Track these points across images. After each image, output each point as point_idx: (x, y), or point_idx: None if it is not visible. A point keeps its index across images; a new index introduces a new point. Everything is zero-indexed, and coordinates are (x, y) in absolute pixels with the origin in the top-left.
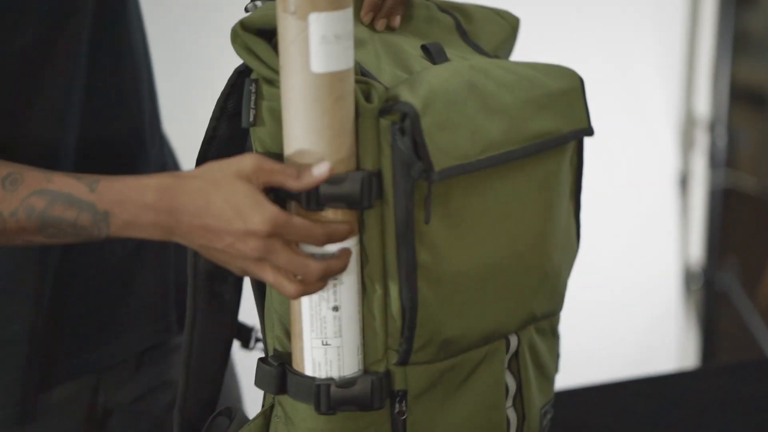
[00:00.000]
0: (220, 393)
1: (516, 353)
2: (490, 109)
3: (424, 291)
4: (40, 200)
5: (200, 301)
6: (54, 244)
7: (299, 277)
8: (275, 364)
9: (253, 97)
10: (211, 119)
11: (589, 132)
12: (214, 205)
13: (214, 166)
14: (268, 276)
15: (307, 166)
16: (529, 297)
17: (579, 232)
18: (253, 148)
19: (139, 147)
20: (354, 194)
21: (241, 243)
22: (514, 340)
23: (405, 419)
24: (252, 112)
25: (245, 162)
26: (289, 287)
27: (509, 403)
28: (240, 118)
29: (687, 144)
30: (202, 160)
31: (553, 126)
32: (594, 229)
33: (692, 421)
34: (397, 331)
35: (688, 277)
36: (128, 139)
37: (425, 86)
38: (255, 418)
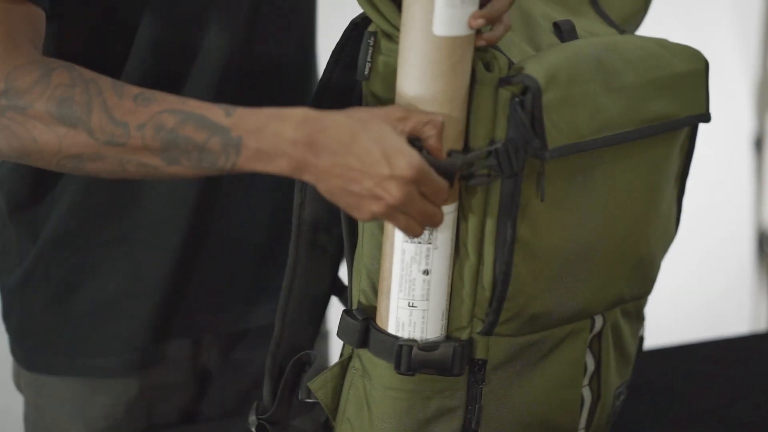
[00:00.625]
0: (313, 344)
1: (599, 333)
2: (612, 87)
3: (519, 265)
4: (171, 118)
5: (302, 252)
6: (170, 174)
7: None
8: (360, 318)
9: (370, 51)
10: (325, 70)
11: (707, 118)
12: (360, 145)
13: (360, 108)
14: (401, 222)
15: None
16: (620, 279)
17: (679, 217)
18: (364, 102)
19: (307, 70)
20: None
21: (380, 188)
22: (599, 321)
23: (482, 388)
24: (368, 66)
25: (393, 108)
26: (419, 229)
27: (585, 381)
28: (353, 71)
29: (763, 104)
30: (317, 107)
31: (672, 109)
32: None
33: (764, 383)
34: (486, 301)
35: (762, 240)
36: (296, 61)
37: (551, 59)
38: (332, 367)
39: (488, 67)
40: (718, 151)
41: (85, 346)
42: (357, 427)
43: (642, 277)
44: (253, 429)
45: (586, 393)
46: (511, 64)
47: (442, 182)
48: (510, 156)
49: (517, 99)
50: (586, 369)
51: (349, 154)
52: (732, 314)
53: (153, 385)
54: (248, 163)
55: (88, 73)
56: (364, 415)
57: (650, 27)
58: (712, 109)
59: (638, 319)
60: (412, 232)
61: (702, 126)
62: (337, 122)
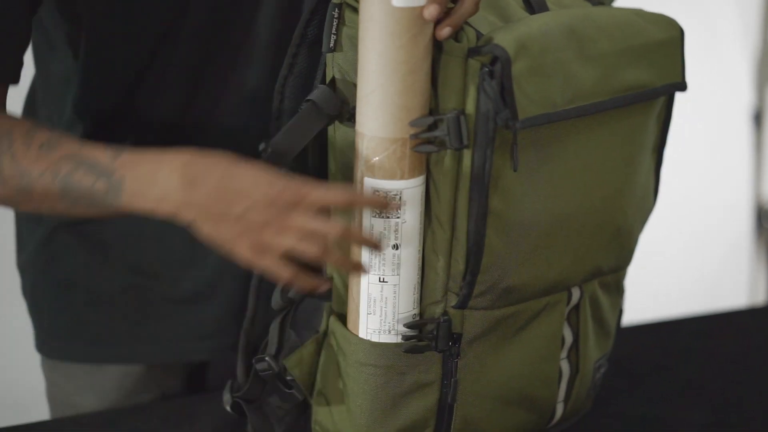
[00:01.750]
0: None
1: (577, 306)
2: (586, 56)
3: (492, 237)
4: (66, 164)
5: None
6: (79, 215)
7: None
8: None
9: (335, 23)
10: (291, 47)
11: (683, 87)
12: (243, 171)
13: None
14: (267, 261)
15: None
16: (597, 251)
17: (657, 188)
18: (329, 75)
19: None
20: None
21: (256, 211)
22: (576, 293)
23: (456, 362)
24: (333, 38)
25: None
26: (285, 272)
27: (563, 354)
28: (319, 46)
29: (762, 78)
30: (282, 87)
31: (647, 78)
32: (664, 163)
33: (763, 356)
34: (459, 274)
35: (761, 214)
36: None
37: (522, 29)
38: (307, 344)
39: (456, 38)
40: (717, 125)
41: (83, 333)
42: (333, 402)
43: (619, 248)
44: (228, 407)
45: (565, 366)
46: (479, 35)
47: (327, 192)
48: (460, 127)
49: (486, 69)
50: (563, 342)
51: (232, 178)
52: (729, 288)
53: (157, 371)
54: (131, 203)
55: (5, 124)
56: (340, 392)
57: (648, 1)
58: (711, 82)
59: (618, 291)
60: (280, 273)
61: (701, 100)
62: (219, 157)
